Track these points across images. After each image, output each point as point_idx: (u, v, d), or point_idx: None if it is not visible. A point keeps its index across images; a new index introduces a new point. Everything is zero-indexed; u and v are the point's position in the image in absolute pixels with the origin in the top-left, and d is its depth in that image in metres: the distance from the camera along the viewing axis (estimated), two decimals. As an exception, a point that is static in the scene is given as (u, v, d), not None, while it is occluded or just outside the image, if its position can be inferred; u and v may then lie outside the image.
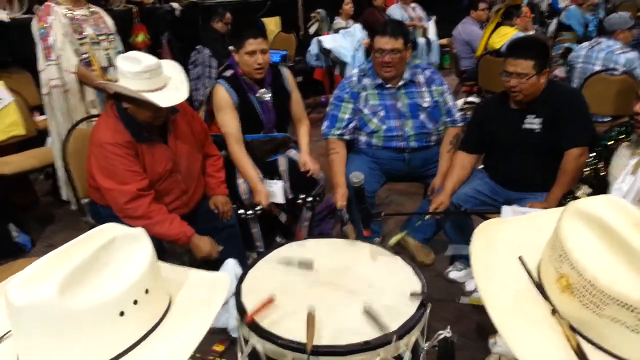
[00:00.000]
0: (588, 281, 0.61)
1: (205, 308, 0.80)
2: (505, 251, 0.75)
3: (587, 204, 0.67)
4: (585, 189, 1.95)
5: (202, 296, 0.82)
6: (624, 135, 1.88)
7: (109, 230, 0.76)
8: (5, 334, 0.75)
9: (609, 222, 0.63)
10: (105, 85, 2.67)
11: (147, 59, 1.99)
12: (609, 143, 1.91)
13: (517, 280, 0.71)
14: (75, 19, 2.91)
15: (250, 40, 2.47)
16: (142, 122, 2.07)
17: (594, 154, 1.97)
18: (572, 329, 0.63)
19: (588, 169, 1.98)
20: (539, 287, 0.68)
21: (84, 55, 2.94)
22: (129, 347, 0.70)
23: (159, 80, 2.01)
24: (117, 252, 0.72)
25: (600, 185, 1.89)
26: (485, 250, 0.77)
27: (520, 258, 0.72)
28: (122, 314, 0.68)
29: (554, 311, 0.65)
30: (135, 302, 0.69)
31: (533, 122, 2.30)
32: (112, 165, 2.02)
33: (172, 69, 2.14)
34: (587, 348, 0.62)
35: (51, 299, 0.63)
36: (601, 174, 1.92)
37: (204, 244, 2.14)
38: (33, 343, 0.66)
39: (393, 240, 2.35)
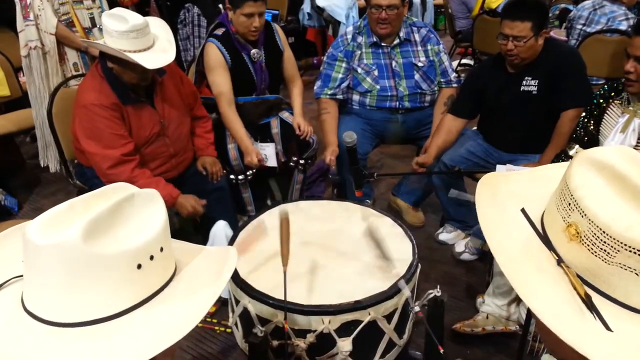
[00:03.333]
0: (599, 228, 0.61)
1: (213, 277, 0.81)
2: (510, 202, 0.75)
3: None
4: (577, 148, 1.95)
5: (210, 267, 0.84)
6: (614, 93, 1.86)
7: (125, 187, 0.77)
8: (4, 283, 0.76)
9: (621, 169, 0.62)
10: (89, 44, 2.59)
11: (134, 18, 1.92)
12: (600, 101, 1.89)
13: (522, 231, 0.71)
14: None
15: (250, 2, 2.36)
16: (127, 83, 2.01)
17: (584, 113, 1.96)
18: (579, 278, 0.64)
19: (579, 127, 1.96)
20: (544, 238, 0.68)
21: (65, 16, 2.83)
22: (143, 300, 0.72)
23: (146, 40, 1.94)
24: (136, 208, 0.74)
25: (591, 144, 1.88)
26: (491, 201, 0.77)
27: (522, 210, 0.72)
28: (139, 266, 0.70)
29: (560, 261, 0.65)
30: (152, 257, 0.72)
31: (530, 84, 2.26)
32: (96, 128, 1.98)
33: (159, 27, 2.07)
34: (594, 297, 0.62)
35: (75, 242, 0.65)
36: (591, 131, 1.91)
37: (188, 201, 2.12)
38: (49, 284, 0.68)
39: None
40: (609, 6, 3.62)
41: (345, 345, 1.50)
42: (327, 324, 1.47)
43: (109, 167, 2.00)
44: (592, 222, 0.61)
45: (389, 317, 1.56)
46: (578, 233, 0.63)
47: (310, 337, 1.48)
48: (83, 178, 2.25)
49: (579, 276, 0.64)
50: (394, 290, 1.54)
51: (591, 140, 1.90)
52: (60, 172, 3.01)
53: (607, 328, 0.60)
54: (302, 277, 1.62)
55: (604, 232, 0.60)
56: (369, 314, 1.50)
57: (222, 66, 2.47)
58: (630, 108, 1.76)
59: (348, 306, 1.48)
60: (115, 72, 2.00)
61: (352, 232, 1.85)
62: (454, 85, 2.70)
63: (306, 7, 5.18)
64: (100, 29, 2.79)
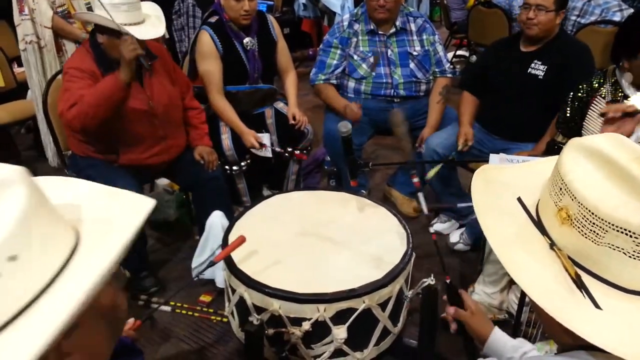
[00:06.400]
0: (588, 210, 0.63)
1: (114, 239, 0.63)
2: (505, 192, 0.77)
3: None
4: (561, 137, 1.99)
5: (114, 224, 0.66)
6: (597, 85, 1.88)
7: None
8: None
9: (609, 154, 0.65)
10: (80, 15, 2.58)
11: None
12: (583, 96, 1.91)
13: (517, 218, 0.73)
14: None
15: None
16: (115, 58, 2.02)
17: (569, 107, 1.98)
18: (571, 260, 0.66)
19: (564, 122, 1.99)
20: (537, 224, 0.71)
21: (61, 8, 2.81)
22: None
23: (137, 15, 1.97)
24: None
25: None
26: (485, 190, 0.79)
27: (518, 199, 0.74)
28: None
29: (552, 245, 0.67)
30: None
31: (539, 68, 2.30)
32: (70, 86, 1.99)
33: (150, 7, 2.11)
34: (585, 277, 0.64)
35: None
36: (577, 126, 1.94)
37: (125, 50, 1.93)
38: None
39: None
40: (604, -4, 3.63)
41: (340, 332, 1.52)
42: (322, 312, 1.49)
43: (66, 108, 1.96)
44: (582, 204, 0.64)
45: (383, 305, 1.58)
46: (569, 216, 0.65)
47: (306, 325, 1.50)
48: (76, 168, 2.25)
49: (570, 258, 0.66)
50: (388, 278, 1.56)
51: (576, 135, 1.91)
52: (58, 164, 3.02)
53: (597, 306, 0.62)
54: (298, 266, 1.64)
55: (592, 213, 0.62)
56: (364, 302, 1.52)
57: (213, 54, 2.47)
58: (626, 101, 1.77)
59: (343, 294, 1.50)
60: (104, 47, 2.03)
61: (347, 222, 1.86)
62: (449, 75, 2.71)
63: (301, -2, 5.16)
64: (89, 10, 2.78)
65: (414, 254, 1.72)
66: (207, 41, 2.45)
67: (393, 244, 1.72)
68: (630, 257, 0.62)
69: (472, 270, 2.34)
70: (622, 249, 0.61)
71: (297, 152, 2.67)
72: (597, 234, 0.63)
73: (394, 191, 2.89)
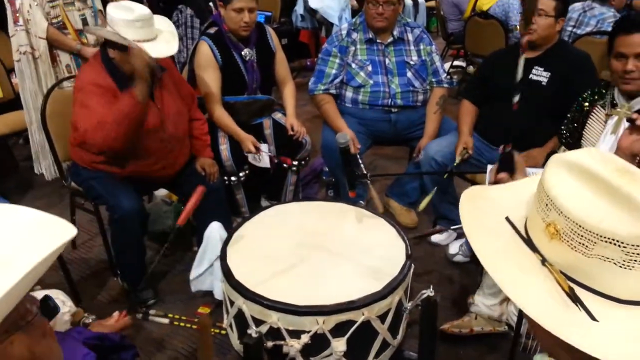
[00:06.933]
0: (576, 223, 0.64)
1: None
2: (492, 212, 0.78)
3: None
4: (563, 149, 1.97)
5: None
6: (597, 97, 1.88)
7: None
8: None
9: (591, 168, 0.66)
10: (95, 30, 2.58)
11: (140, 8, 1.96)
12: (584, 105, 1.91)
13: (506, 237, 0.74)
14: None
15: None
16: (127, 73, 2.01)
17: (570, 117, 1.97)
18: (563, 275, 0.67)
19: (566, 132, 1.98)
20: (527, 241, 0.71)
21: (56, 19, 2.82)
22: None
23: (151, 32, 1.97)
24: None
25: (575, 148, 1.89)
26: (474, 211, 0.80)
27: (507, 218, 0.75)
28: None
29: (544, 261, 0.68)
30: None
31: (541, 75, 2.31)
32: (88, 103, 1.97)
33: (162, 22, 2.11)
34: (578, 291, 0.65)
35: None
36: (578, 136, 1.93)
37: (136, 61, 1.94)
38: None
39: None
40: (599, 8, 3.66)
41: (339, 345, 1.51)
42: (321, 324, 1.48)
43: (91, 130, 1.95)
44: (568, 218, 0.64)
45: (382, 317, 1.57)
46: (557, 231, 0.66)
47: (305, 338, 1.49)
48: (79, 178, 2.24)
49: (563, 273, 0.66)
50: (387, 290, 1.55)
51: (577, 145, 1.91)
52: (55, 175, 3.01)
53: (593, 318, 0.63)
54: (296, 278, 1.63)
55: (580, 226, 0.63)
56: (363, 314, 1.51)
57: (212, 65, 2.48)
58: (619, 109, 1.77)
59: (342, 306, 1.49)
60: (116, 62, 2.01)
61: (345, 233, 1.86)
62: (445, 85, 2.73)
63: (299, 9, 5.19)
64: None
65: (412, 265, 1.71)
66: (206, 52, 2.46)
67: (392, 255, 1.71)
68: (620, 266, 0.62)
69: (471, 281, 2.33)
70: (612, 259, 0.62)
71: (295, 162, 2.67)
72: (587, 246, 0.63)
73: (393, 202, 2.89)
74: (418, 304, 1.59)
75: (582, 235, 0.63)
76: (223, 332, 2.04)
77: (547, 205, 0.68)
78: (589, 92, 1.91)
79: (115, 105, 1.96)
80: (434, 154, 2.45)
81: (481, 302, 2.02)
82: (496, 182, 1.23)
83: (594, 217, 0.63)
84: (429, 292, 1.54)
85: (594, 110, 1.87)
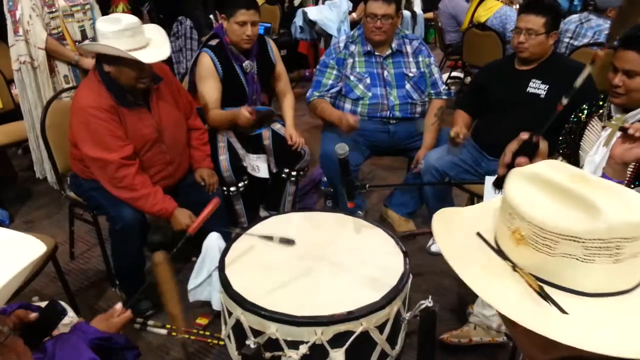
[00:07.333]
0: (537, 226, 0.70)
1: None
2: (465, 229, 0.85)
3: (527, 167, 0.79)
4: (560, 159, 1.97)
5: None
6: (594, 108, 1.89)
7: None
8: None
9: (548, 176, 0.74)
10: (85, 46, 2.59)
11: (127, 18, 1.97)
12: (580, 116, 1.92)
13: (479, 250, 0.81)
14: None
15: (242, 10, 2.41)
16: (125, 85, 2.03)
17: (567, 128, 1.98)
18: (533, 276, 0.73)
19: (562, 143, 1.99)
20: (498, 251, 0.78)
21: (56, 30, 2.84)
22: None
23: (141, 40, 1.98)
24: None
25: (574, 159, 1.90)
26: (446, 229, 0.87)
27: (478, 233, 0.82)
28: None
29: (514, 267, 0.75)
30: None
31: (539, 87, 2.32)
32: (95, 131, 1.98)
33: (153, 30, 2.12)
34: (548, 289, 0.71)
35: None
36: (574, 146, 1.94)
37: (182, 216, 2.12)
38: None
39: None
40: (595, 20, 3.70)
41: (338, 356, 1.50)
42: (319, 335, 1.48)
43: (113, 171, 2.01)
44: (531, 222, 0.71)
45: (381, 328, 1.57)
46: (522, 236, 0.72)
47: (303, 349, 1.49)
48: (79, 189, 2.25)
49: (532, 275, 0.73)
50: (386, 301, 1.55)
51: (574, 155, 1.92)
52: (55, 184, 3.01)
53: (562, 311, 0.69)
54: (294, 288, 1.63)
55: (541, 228, 0.70)
56: (362, 325, 1.51)
57: (213, 76, 2.50)
58: (613, 122, 1.78)
59: (341, 317, 1.49)
60: (112, 76, 2.02)
61: (344, 243, 1.86)
62: (444, 97, 2.74)
63: (298, 21, 5.23)
64: (93, 40, 2.80)
65: (411, 275, 1.71)
66: (207, 63, 2.48)
67: (390, 265, 1.71)
68: (582, 261, 0.68)
69: (470, 291, 2.32)
70: (574, 255, 0.68)
71: (294, 172, 2.67)
72: (550, 246, 0.69)
73: (391, 212, 2.89)
74: (417, 314, 1.58)
75: (544, 237, 0.69)
76: (221, 342, 2.04)
77: (510, 214, 0.74)
78: (587, 105, 1.92)
79: (153, 194, 2.07)
80: (434, 161, 2.46)
81: (480, 312, 2.02)
82: (515, 165, 1.25)
83: (552, 218, 0.69)
84: (428, 303, 1.53)
85: (591, 122, 1.88)
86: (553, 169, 0.75)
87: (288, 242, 1.74)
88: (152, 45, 2.02)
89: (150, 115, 2.13)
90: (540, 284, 0.71)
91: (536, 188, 0.74)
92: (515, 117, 2.33)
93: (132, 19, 1.96)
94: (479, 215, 0.89)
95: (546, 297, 0.70)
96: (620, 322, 0.68)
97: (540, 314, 0.69)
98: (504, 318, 0.74)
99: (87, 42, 2.85)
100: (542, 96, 2.30)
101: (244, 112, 2.40)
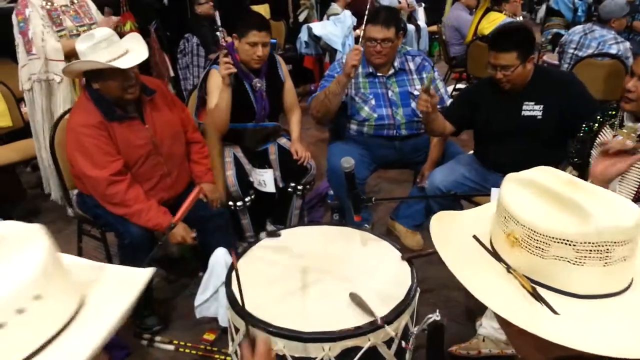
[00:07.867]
0: (531, 230, 0.73)
1: (115, 305, 0.72)
2: (462, 233, 0.88)
3: (522, 173, 0.82)
4: (570, 169, 1.96)
5: (114, 295, 0.74)
6: (606, 117, 1.89)
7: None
8: None
9: (542, 182, 0.77)
10: (66, 68, 2.59)
11: (99, 31, 2.02)
12: (592, 125, 1.91)
13: (476, 253, 0.83)
14: (54, 10, 2.79)
15: (254, 32, 2.44)
16: (114, 99, 2.05)
17: (579, 136, 1.97)
18: (526, 278, 0.75)
19: (573, 151, 1.98)
20: (494, 254, 0.80)
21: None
22: None
23: (118, 49, 2.01)
24: (3, 253, 0.64)
25: (584, 168, 1.90)
26: (445, 235, 0.89)
27: (474, 236, 0.85)
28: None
29: (509, 268, 0.77)
30: (21, 311, 0.60)
31: (534, 109, 2.26)
32: (85, 148, 2.01)
33: (130, 39, 2.15)
34: (540, 290, 0.73)
35: None
36: (586, 154, 1.93)
37: (178, 231, 2.11)
38: None
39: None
40: (599, 30, 3.70)
41: (345, 371, 1.49)
42: (327, 350, 1.47)
43: (104, 187, 2.03)
44: (524, 226, 0.73)
45: (388, 343, 1.56)
46: (516, 239, 0.75)
47: (311, 365, 1.47)
48: (85, 207, 2.26)
49: (525, 277, 0.75)
50: (393, 315, 1.54)
51: (585, 164, 1.91)
52: (62, 202, 3.03)
53: (554, 311, 0.71)
54: (301, 303, 1.62)
55: (534, 232, 0.72)
56: (369, 340, 1.50)
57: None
58: (624, 131, 1.77)
59: (348, 332, 1.48)
60: (101, 92, 2.05)
61: (351, 257, 1.86)
62: (450, 111, 2.73)
63: (303, 36, 5.28)
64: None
65: (418, 289, 1.70)
66: (217, 79, 2.50)
67: (397, 279, 1.70)
68: (573, 264, 0.70)
69: (479, 303, 2.30)
70: (566, 258, 0.70)
71: (300, 187, 2.68)
72: (542, 249, 0.72)
73: (398, 225, 2.89)
74: (424, 328, 1.57)
75: (537, 240, 0.72)
76: (228, 358, 2.02)
77: (505, 218, 0.77)
78: (600, 114, 1.91)
79: (147, 209, 2.07)
80: (438, 183, 2.44)
81: (489, 325, 2.00)
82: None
83: (545, 222, 0.72)
84: (436, 317, 1.52)
85: (602, 130, 1.88)
86: (547, 174, 0.79)
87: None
88: (130, 52, 2.05)
89: (144, 127, 2.14)
90: (534, 285, 0.74)
91: (530, 193, 0.77)
92: (518, 141, 2.30)
93: (106, 31, 2.02)
94: (475, 219, 0.91)
95: (538, 297, 0.72)
96: (609, 322, 0.70)
97: (533, 314, 0.71)
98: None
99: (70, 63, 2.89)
100: (539, 117, 2.25)
101: (225, 64, 2.38)
